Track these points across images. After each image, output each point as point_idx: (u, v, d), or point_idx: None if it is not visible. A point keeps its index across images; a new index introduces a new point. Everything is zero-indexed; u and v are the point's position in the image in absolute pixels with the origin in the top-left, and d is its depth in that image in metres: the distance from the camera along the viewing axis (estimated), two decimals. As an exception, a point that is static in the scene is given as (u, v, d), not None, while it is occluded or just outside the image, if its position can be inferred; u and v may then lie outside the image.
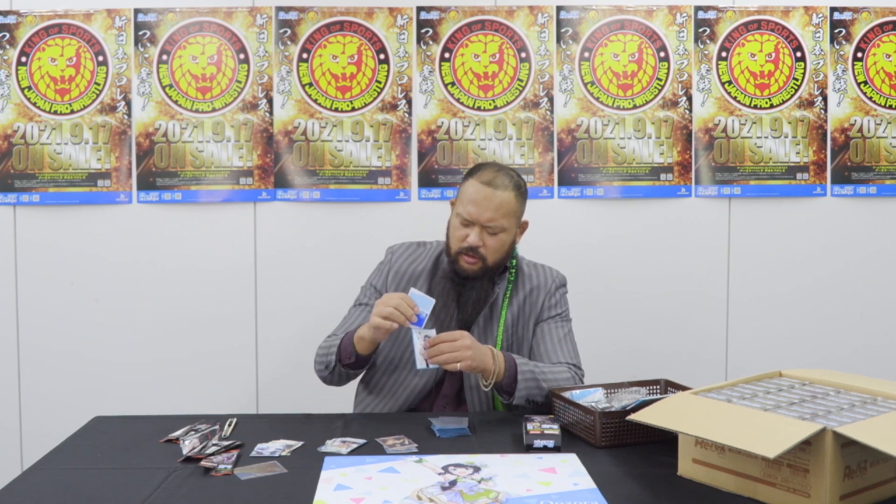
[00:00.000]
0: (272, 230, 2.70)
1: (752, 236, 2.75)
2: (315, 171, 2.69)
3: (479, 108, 2.70)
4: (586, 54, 2.71)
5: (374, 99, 2.69)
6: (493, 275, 1.88)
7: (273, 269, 2.71)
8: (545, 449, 1.48)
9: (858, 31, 2.73)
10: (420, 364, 1.67)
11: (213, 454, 1.45)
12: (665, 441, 1.46)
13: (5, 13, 2.65)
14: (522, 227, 1.92)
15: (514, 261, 1.94)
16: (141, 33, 2.66)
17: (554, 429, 1.51)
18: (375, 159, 2.70)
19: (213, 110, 2.67)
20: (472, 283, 1.84)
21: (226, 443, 1.51)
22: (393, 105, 2.69)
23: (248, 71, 2.67)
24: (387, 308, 1.65)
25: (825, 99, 2.74)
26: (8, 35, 2.65)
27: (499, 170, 1.85)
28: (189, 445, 1.45)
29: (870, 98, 2.74)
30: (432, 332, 1.68)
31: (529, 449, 1.48)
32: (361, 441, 1.53)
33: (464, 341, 1.67)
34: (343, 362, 1.81)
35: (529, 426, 1.53)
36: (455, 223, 1.85)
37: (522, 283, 1.93)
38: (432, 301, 1.68)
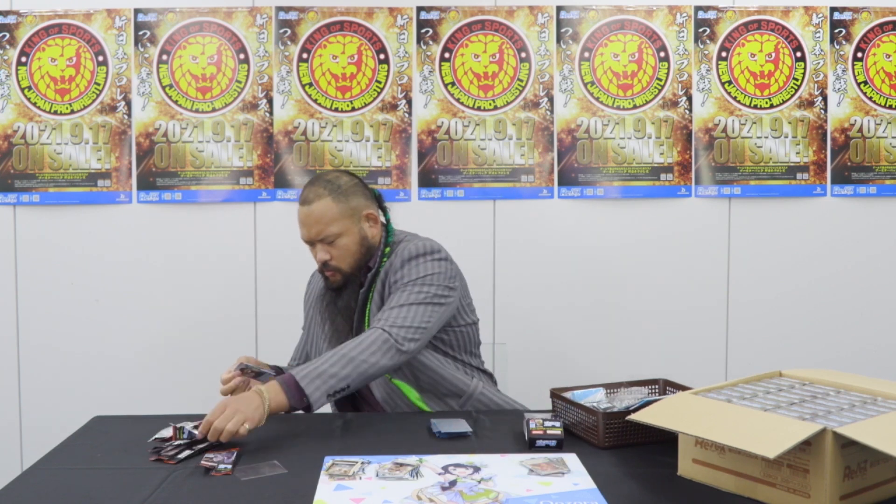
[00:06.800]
0: (272, 230, 2.70)
1: (752, 236, 2.75)
2: (315, 171, 2.69)
3: (479, 108, 2.70)
4: (586, 54, 2.70)
5: (374, 99, 2.69)
6: (359, 278, 1.87)
7: (273, 269, 2.71)
8: (547, 448, 1.48)
9: (858, 31, 2.73)
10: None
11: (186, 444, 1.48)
12: (665, 441, 1.46)
13: (5, 13, 2.65)
14: (367, 217, 1.85)
15: (390, 239, 1.90)
16: (141, 33, 2.66)
17: (556, 427, 1.52)
18: (375, 159, 2.70)
19: (213, 110, 2.67)
20: (341, 293, 1.88)
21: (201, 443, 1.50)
22: (393, 105, 2.69)
23: (248, 71, 2.67)
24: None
25: (825, 99, 2.73)
26: (8, 35, 2.65)
27: (314, 182, 1.84)
28: (165, 434, 1.52)
29: (870, 98, 2.74)
30: None
31: (532, 447, 1.49)
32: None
33: (222, 410, 1.49)
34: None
35: (532, 424, 1.53)
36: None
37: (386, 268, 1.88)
38: None
